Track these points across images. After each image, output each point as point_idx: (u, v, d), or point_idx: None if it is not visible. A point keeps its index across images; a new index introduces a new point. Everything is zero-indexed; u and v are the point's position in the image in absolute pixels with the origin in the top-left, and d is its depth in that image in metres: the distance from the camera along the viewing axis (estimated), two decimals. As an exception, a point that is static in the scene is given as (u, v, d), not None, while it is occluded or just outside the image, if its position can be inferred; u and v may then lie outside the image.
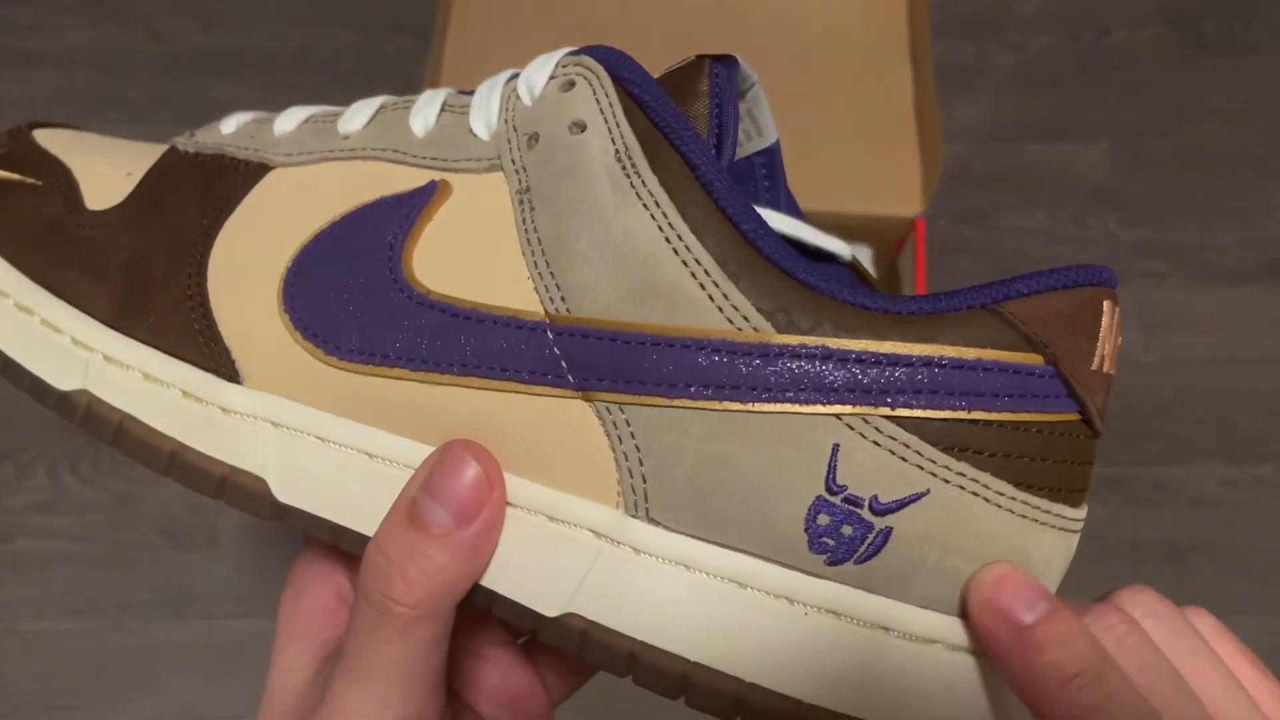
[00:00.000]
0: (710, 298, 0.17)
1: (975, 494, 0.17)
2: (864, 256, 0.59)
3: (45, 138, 0.24)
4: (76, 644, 0.68)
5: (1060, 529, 0.18)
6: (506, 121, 0.19)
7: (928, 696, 0.17)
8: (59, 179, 0.22)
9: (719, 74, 0.19)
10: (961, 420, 0.17)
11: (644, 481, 0.18)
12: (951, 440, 0.17)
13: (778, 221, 0.20)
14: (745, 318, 0.17)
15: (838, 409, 0.17)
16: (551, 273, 0.18)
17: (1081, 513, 0.18)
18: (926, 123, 0.56)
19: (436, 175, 0.19)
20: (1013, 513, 0.17)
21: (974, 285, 0.17)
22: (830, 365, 0.17)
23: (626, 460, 0.18)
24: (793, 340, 0.17)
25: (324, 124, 0.22)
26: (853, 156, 0.56)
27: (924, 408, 0.17)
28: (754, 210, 0.17)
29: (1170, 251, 0.81)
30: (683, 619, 0.17)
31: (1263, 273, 0.80)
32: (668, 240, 0.17)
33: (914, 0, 0.60)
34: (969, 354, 0.17)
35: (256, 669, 0.69)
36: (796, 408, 0.17)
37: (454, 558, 0.17)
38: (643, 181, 0.17)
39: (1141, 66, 0.87)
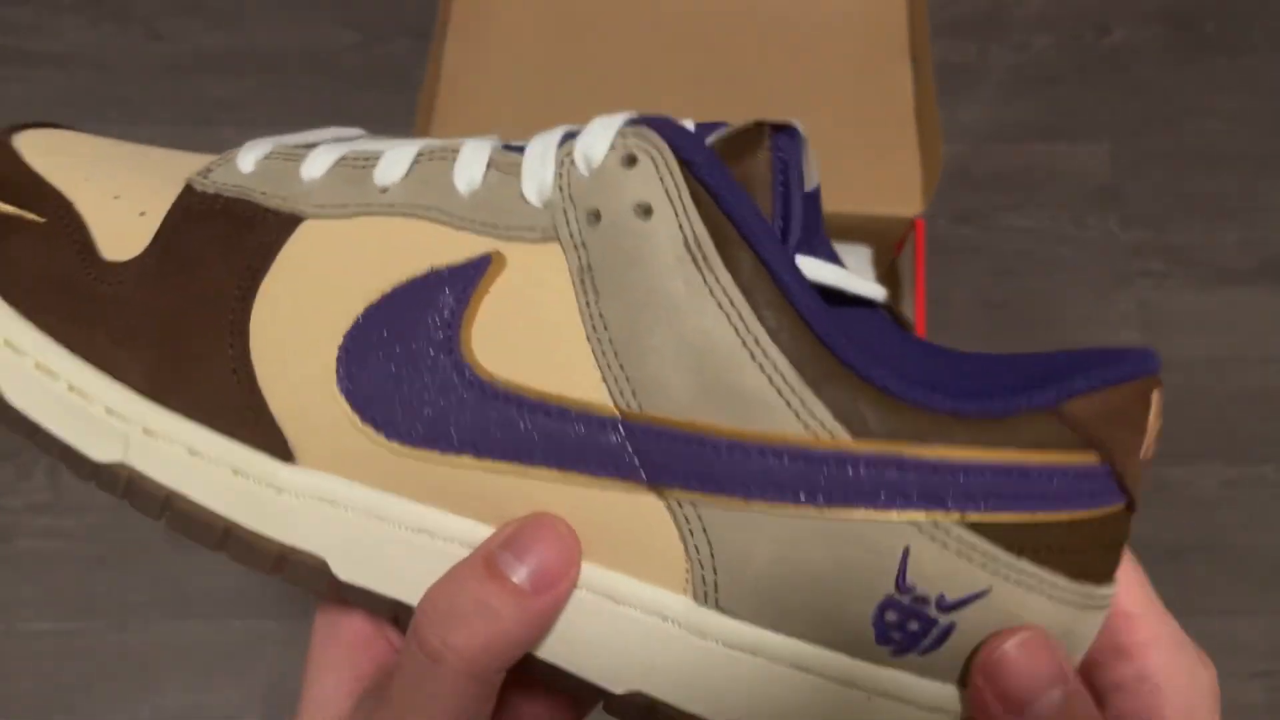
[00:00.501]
0: (788, 404, 0.17)
1: (1032, 589, 0.18)
2: (864, 257, 0.59)
3: (32, 151, 0.22)
4: (76, 644, 0.68)
5: (1101, 608, 0.18)
6: (561, 190, 0.18)
7: None
8: (64, 218, 0.21)
9: (783, 147, 0.18)
10: (1026, 523, 0.17)
11: (715, 573, 0.18)
12: (1015, 541, 0.17)
13: (816, 269, 0.20)
14: (821, 423, 0.17)
15: (911, 515, 0.17)
16: (621, 365, 0.17)
17: (1115, 587, 0.19)
18: (926, 123, 0.56)
19: (487, 243, 0.18)
20: (1066, 603, 0.18)
21: (1033, 379, 0.18)
22: (905, 473, 0.17)
23: (698, 553, 0.18)
24: (868, 447, 0.17)
25: (357, 169, 0.20)
26: (852, 156, 0.56)
27: (993, 511, 0.17)
28: (826, 309, 0.17)
29: (1170, 251, 0.81)
30: (749, 701, 0.18)
31: (1263, 273, 0.80)
32: (744, 344, 0.17)
33: (914, 0, 0.60)
34: (1035, 459, 0.17)
35: (257, 669, 0.69)
36: (872, 514, 0.17)
37: (521, 620, 0.17)
38: (716, 279, 0.17)
39: (1142, 66, 0.87)
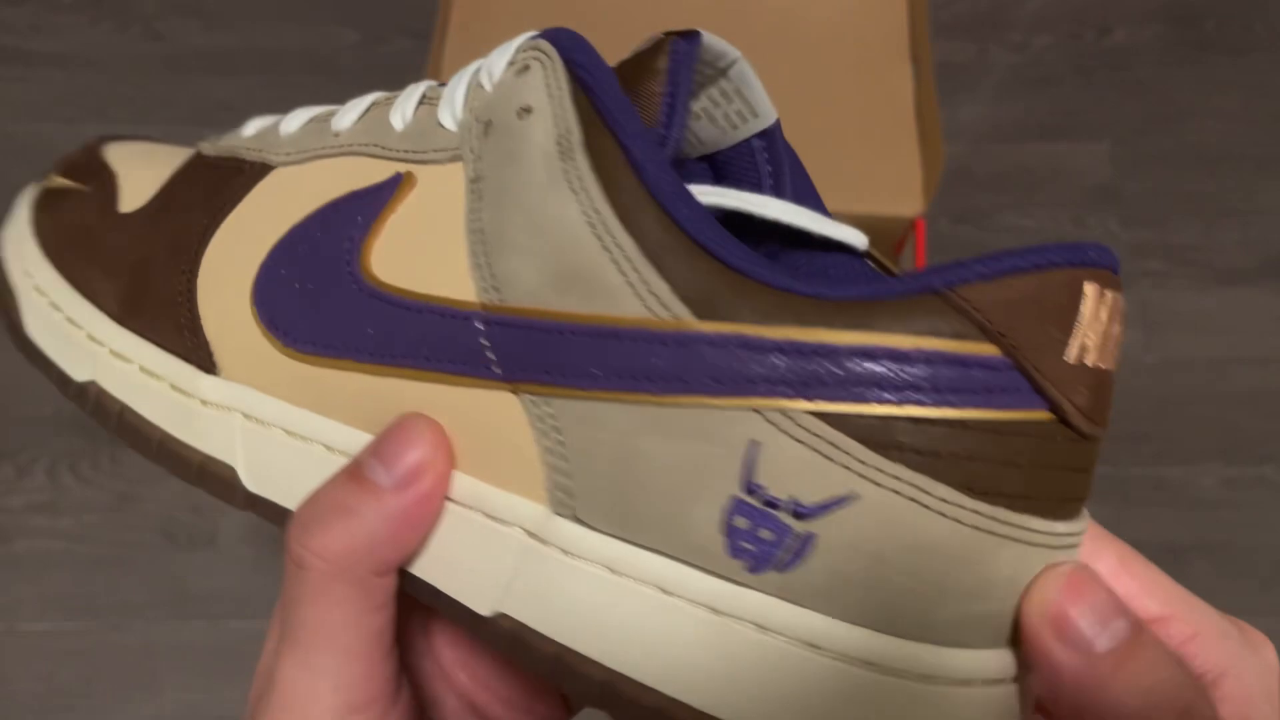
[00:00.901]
0: (629, 284, 0.16)
1: (912, 499, 0.15)
2: (864, 256, 0.59)
3: (113, 150, 0.25)
4: (76, 644, 0.68)
5: (1029, 544, 0.16)
6: (469, 110, 0.19)
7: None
8: (104, 185, 0.24)
9: (678, 50, 0.18)
10: (895, 417, 0.15)
11: (568, 479, 0.17)
12: (884, 438, 0.15)
13: (778, 209, 0.19)
14: (664, 305, 0.16)
15: (756, 402, 0.15)
16: (489, 262, 0.17)
17: (1069, 526, 0.16)
18: (927, 122, 0.56)
19: (403, 167, 0.19)
20: (960, 523, 0.15)
21: (931, 267, 0.15)
22: (748, 355, 0.15)
23: (551, 455, 0.17)
24: (709, 328, 0.16)
25: (321, 122, 0.22)
26: (853, 156, 0.56)
27: (851, 401, 0.15)
28: (688, 195, 0.16)
29: (1171, 251, 0.81)
30: (605, 625, 0.17)
31: (1263, 272, 0.80)
32: (591, 225, 0.16)
33: (914, 0, 0.60)
34: (905, 343, 0.15)
35: (256, 670, 0.69)
36: (712, 400, 0.15)
37: (382, 519, 0.17)
38: (575, 166, 0.17)
39: (1142, 66, 0.87)
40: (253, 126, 0.23)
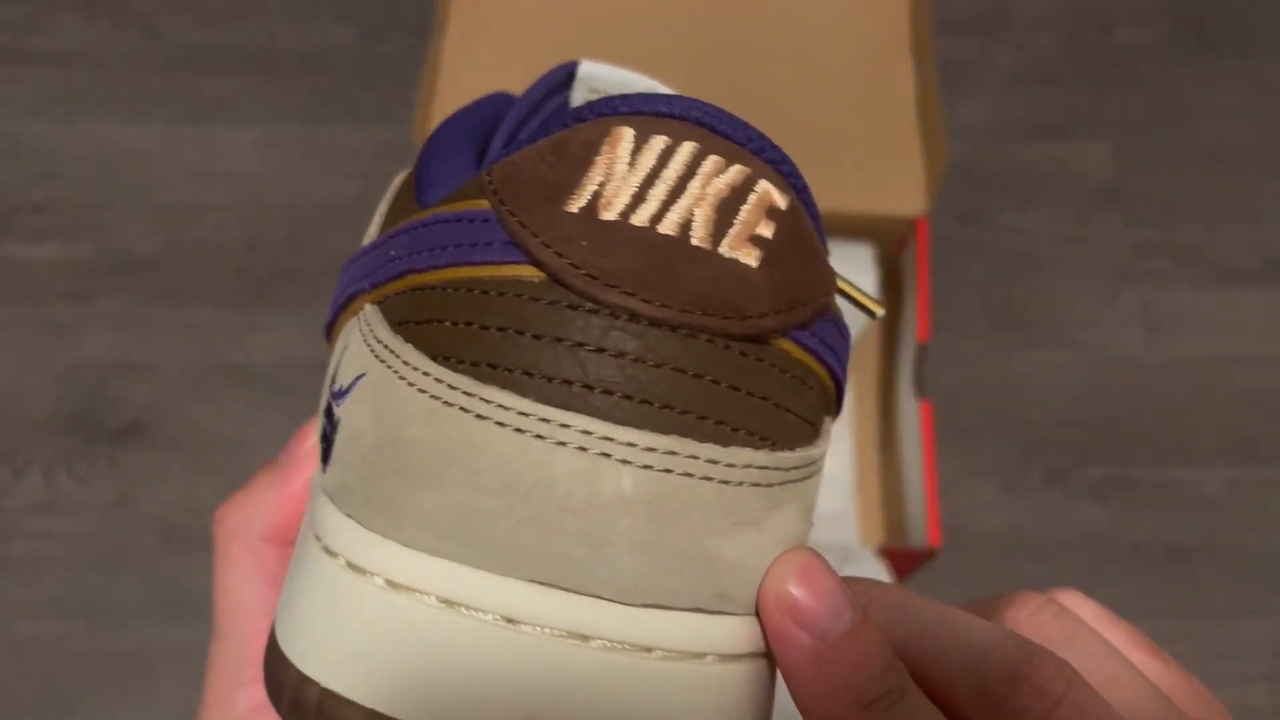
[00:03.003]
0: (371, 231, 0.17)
1: (394, 371, 0.13)
2: (867, 255, 0.59)
3: None
4: (72, 646, 0.68)
5: (512, 429, 0.13)
6: None
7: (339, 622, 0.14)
8: None
9: (545, 80, 0.19)
10: (404, 290, 0.14)
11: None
12: (395, 314, 0.14)
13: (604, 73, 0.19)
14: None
15: (354, 306, 0.15)
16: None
17: (582, 422, 0.13)
18: (929, 121, 0.55)
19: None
20: (425, 392, 0.13)
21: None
22: (356, 264, 0.16)
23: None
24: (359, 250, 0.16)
25: None
26: (855, 155, 0.55)
27: (381, 282, 0.14)
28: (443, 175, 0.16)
29: (1174, 250, 0.80)
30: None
31: (1267, 272, 0.80)
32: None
33: (917, -3, 0.59)
34: (424, 215, 0.14)
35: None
36: (346, 315, 0.16)
37: (274, 493, 0.19)
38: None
39: (1145, 64, 0.87)
40: None
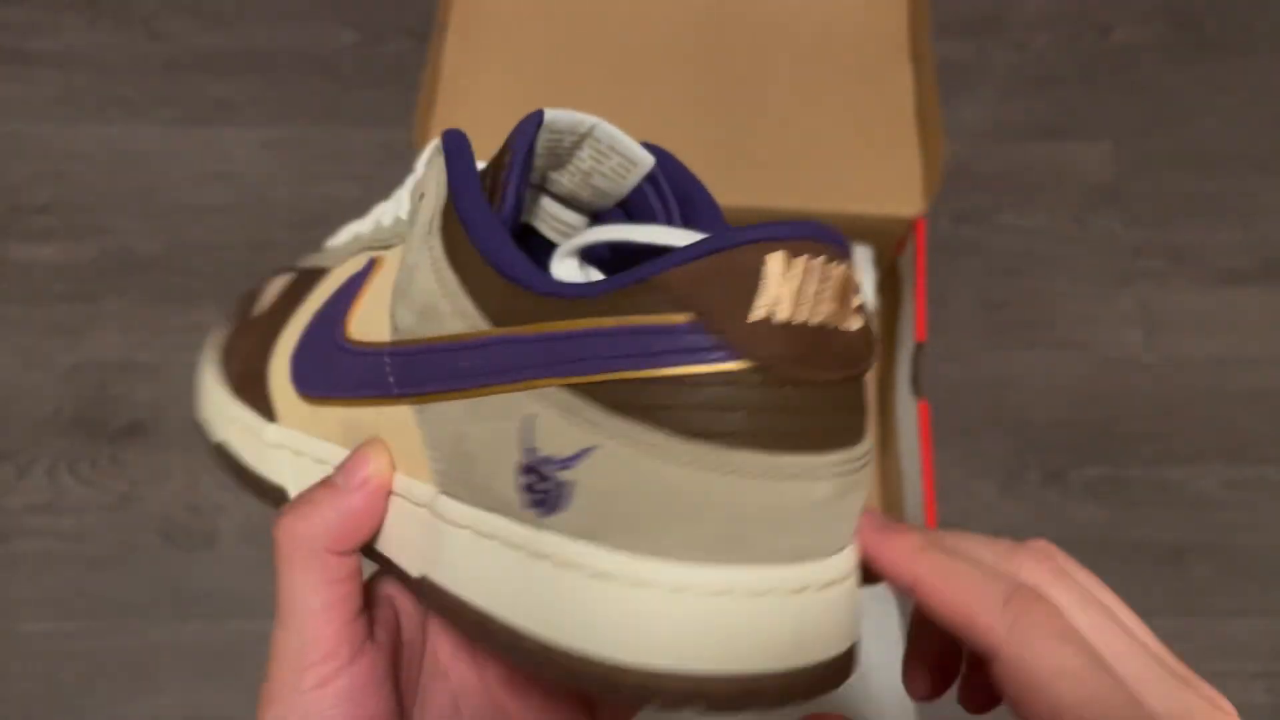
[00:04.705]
0: (453, 310, 0.21)
1: (639, 444, 0.19)
2: (865, 256, 0.59)
3: (274, 280, 0.32)
4: (75, 645, 0.68)
5: (743, 474, 0.19)
6: (410, 199, 0.25)
7: (620, 628, 0.19)
8: (250, 299, 0.33)
9: (518, 129, 0.23)
10: (615, 381, 0.19)
11: (435, 463, 0.22)
12: (611, 400, 0.19)
13: (608, 233, 0.23)
14: (472, 320, 0.21)
15: (527, 384, 0.20)
16: (393, 311, 0.23)
17: (803, 458, 0.19)
18: (928, 122, 0.56)
19: (376, 254, 0.26)
20: (675, 461, 0.19)
21: (640, 265, 0.19)
22: (519, 348, 0.20)
23: (427, 444, 0.22)
24: (496, 333, 0.20)
25: (356, 232, 0.28)
26: (854, 156, 0.56)
27: (586, 374, 0.19)
28: (502, 240, 0.21)
29: (1172, 251, 0.81)
30: (469, 572, 0.21)
31: (1264, 272, 0.80)
32: (435, 271, 0.22)
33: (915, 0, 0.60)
34: (609, 323, 0.19)
35: (256, 670, 0.69)
36: (503, 388, 0.20)
37: (336, 511, 0.22)
38: (432, 231, 0.22)
39: (1143, 66, 0.87)
40: (340, 236, 0.30)
